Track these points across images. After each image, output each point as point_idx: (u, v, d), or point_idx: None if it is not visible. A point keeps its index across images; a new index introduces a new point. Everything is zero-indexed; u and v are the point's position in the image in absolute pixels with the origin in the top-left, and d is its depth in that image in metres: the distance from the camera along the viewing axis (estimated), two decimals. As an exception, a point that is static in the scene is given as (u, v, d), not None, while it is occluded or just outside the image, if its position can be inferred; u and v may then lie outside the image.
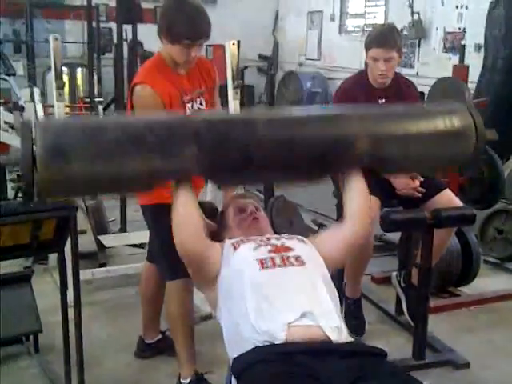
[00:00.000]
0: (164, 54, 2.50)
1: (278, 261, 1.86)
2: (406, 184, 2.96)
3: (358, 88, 3.10)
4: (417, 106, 2.12)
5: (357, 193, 1.98)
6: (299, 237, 2.05)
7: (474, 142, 2.00)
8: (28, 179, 1.61)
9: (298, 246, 1.97)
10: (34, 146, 1.61)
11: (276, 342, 1.65)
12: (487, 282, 3.96)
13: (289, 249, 1.93)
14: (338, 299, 1.89)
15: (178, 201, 1.84)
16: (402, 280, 3.28)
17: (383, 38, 3.00)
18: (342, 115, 1.94)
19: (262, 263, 1.85)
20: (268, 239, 2.00)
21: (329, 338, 1.68)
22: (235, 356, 1.72)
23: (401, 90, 3.15)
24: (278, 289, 1.78)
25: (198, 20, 2.38)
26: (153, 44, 2.52)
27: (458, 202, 3.02)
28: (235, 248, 1.94)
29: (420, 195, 2.98)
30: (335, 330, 1.71)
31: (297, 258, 1.88)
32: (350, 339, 1.77)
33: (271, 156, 1.81)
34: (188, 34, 2.36)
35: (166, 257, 2.52)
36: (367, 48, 3.04)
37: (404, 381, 1.60)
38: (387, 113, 2.03)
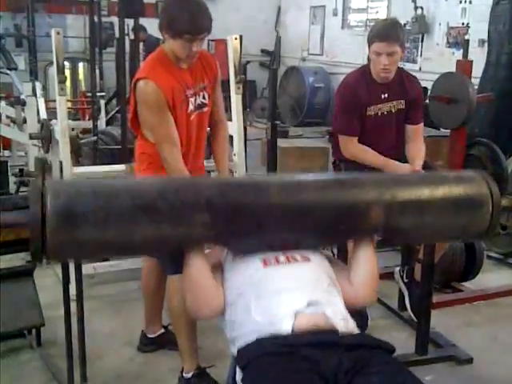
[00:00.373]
0: (166, 48, 2.49)
1: (281, 259, 1.85)
2: None
3: (361, 83, 3.09)
4: (433, 174, 2.06)
5: (365, 261, 1.94)
6: None
7: (489, 212, 1.94)
8: (37, 244, 1.57)
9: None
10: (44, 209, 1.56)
11: (282, 332, 1.64)
12: (490, 277, 3.96)
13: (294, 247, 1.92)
14: (341, 295, 1.88)
15: (190, 268, 1.81)
16: (404, 275, 3.27)
17: (386, 32, 2.98)
18: (356, 183, 1.90)
19: (265, 261, 1.84)
20: None
21: (334, 327, 1.67)
22: (239, 347, 1.72)
23: (404, 85, 3.14)
24: (282, 283, 1.77)
25: (198, 15, 2.38)
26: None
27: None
28: (235, 253, 1.93)
29: None
30: (341, 320, 1.70)
31: (302, 255, 1.87)
32: (357, 330, 1.76)
33: (284, 223, 1.78)
34: (189, 28, 2.36)
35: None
36: (370, 42, 3.03)
37: (404, 378, 1.59)
38: (402, 181, 1.97)
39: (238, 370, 1.67)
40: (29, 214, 1.57)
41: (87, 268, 3.50)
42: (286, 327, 1.65)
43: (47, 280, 3.57)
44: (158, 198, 1.66)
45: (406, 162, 3.02)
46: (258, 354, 1.60)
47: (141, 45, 6.17)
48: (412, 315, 3.16)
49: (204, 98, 2.60)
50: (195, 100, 2.55)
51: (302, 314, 1.67)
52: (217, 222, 1.71)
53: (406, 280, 3.26)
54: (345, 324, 1.71)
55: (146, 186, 1.75)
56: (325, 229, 1.84)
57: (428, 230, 1.96)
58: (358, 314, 3.11)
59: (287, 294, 1.73)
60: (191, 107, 2.54)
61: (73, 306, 2.49)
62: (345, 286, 1.91)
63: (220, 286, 1.88)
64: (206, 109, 2.62)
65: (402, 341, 3.06)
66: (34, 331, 2.93)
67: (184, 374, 2.58)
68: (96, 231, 1.60)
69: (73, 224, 1.58)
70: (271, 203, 1.75)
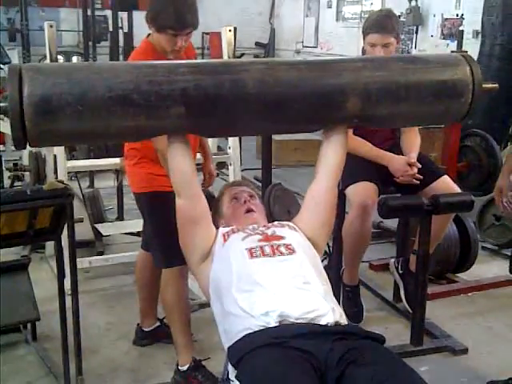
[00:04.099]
0: (153, 40, 2.47)
1: (267, 250, 1.86)
2: (403, 171, 2.94)
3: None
4: (413, 59, 1.95)
5: (339, 146, 1.96)
6: (290, 224, 2.05)
7: (470, 98, 1.89)
8: (17, 129, 1.60)
9: (289, 233, 1.96)
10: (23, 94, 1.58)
11: (269, 326, 1.65)
12: (485, 268, 3.97)
13: (279, 237, 1.92)
14: (328, 281, 1.89)
15: (172, 151, 1.84)
16: (400, 267, 3.28)
17: (381, 23, 2.97)
18: (332, 70, 1.85)
19: (252, 253, 1.85)
20: (259, 228, 2.00)
21: (324, 321, 1.68)
22: (230, 344, 1.72)
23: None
24: (267, 278, 1.77)
25: (184, 10, 2.34)
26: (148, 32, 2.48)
27: (456, 189, 3.02)
28: (225, 239, 1.94)
29: (418, 182, 2.97)
30: (328, 314, 1.71)
31: (287, 246, 1.88)
32: (345, 321, 1.77)
33: (259, 115, 1.80)
34: (172, 24, 2.33)
35: (160, 245, 2.52)
36: (365, 34, 3.01)
37: (398, 367, 1.59)
38: (380, 67, 1.90)
39: (230, 367, 1.67)
40: (8, 102, 1.58)
41: (82, 262, 3.50)
42: (272, 324, 1.66)
43: (42, 274, 3.57)
44: (133, 91, 1.67)
45: (401, 153, 3.02)
46: (248, 349, 1.60)
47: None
48: (407, 306, 3.16)
49: None
50: None
51: (288, 316, 1.67)
52: (192, 114, 1.73)
53: (400, 271, 3.26)
54: (332, 314, 1.71)
55: (122, 75, 1.73)
56: (300, 119, 1.85)
57: (404, 116, 1.96)
58: (354, 306, 3.14)
59: (273, 294, 1.73)
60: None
61: (68, 300, 2.49)
62: (313, 192, 2.00)
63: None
64: None
65: (398, 332, 3.07)
66: (29, 325, 2.93)
67: (179, 367, 2.58)
68: (73, 122, 1.64)
69: (49, 116, 1.61)
70: (247, 95, 1.75)
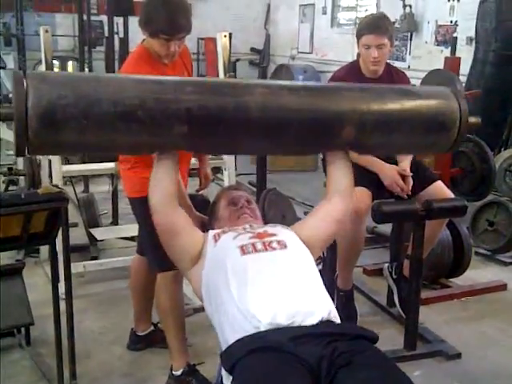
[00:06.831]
0: (147, 45, 2.48)
1: (259, 246, 1.87)
2: (393, 180, 2.94)
3: (351, 77, 3.08)
4: (404, 92, 2.04)
5: (345, 169, 2.00)
6: (283, 225, 2.07)
7: (456, 130, 1.98)
8: (20, 138, 1.60)
9: (281, 231, 1.99)
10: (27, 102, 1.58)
11: (261, 328, 1.66)
12: (478, 273, 3.99)
13: (271, 234, 1.94)
14: (320, 278, 1.90)
15: (158, 167, 1.86)
16: (393, 272, 3.29)
17: (374, 24, 2.99)
18: (331, 100, 1.90)
19: (243, 249, 1.86)
20: (250, 227, 2.02)
21: (316, 322, 1.69)
22: (223, 349, 1.72)
23: (393, 80, 3.14)
24: (259, 275, 1.79)
25: (175, 15, 2.34)
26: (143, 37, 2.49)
27: (449, 194, 3.03)
28: (216, 240, 1.95)
29: (406, 197, 2.97)
30: (320, 311, 1.72)
31: (279, 241, 1.90)
32: (336, 318, 1.77)
33: (259, 137, 1.84)
34: (164, 29, 2.34)
35: (155, 249, 2.51)
36: (359, 36, 3.03)
37: (387, 372, 1.59)
38: (378, 95, 1.98)
39: (224, 373, 1.67)
40: (14, 111, 1.58)
41: (76, 267, 3.50)
42: (264, 325, 1.66)
43: (36, 279, 3.56)
44: (138, 107, 1.68)
45: (395, 160, 3.02)
46: (241, 354, 1.60)
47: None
48: (401, 311, 3.17)
49: None
50: None
51: (280, 316, 1.68)
52: (194, 133, 1.75)
53: (394, 276, 3.28)
54: (326, 312, 1.73)
55: (128, 90, 1.73)
56: (298, 143, 1.91)
57: (394, 146, 2.08)
58: (348, 310, 3.15)
59: (266, 291, 1.74)
60: None
61: (62, 304, 2.49)
62: (323, 207, 2.03)
63: (196, 228, 2.00)
64: None
65: (391, 337, 3.07)
66: (23, 330, 2.92)
67: (173, 372, 2.58)
68: (76, 136, 1.66)
69: (53, 128, 1.62)
70: (249, 118, 1.78)
